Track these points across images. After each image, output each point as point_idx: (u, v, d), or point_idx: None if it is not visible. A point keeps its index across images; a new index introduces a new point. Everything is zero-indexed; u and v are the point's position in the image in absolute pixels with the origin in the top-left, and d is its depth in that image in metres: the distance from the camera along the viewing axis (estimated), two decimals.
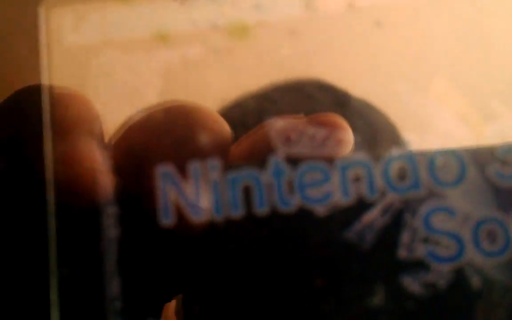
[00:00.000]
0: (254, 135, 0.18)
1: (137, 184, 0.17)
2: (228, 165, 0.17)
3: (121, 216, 0.16)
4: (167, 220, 0.17)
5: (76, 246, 0.16)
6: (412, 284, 0.17)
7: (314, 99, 0.19)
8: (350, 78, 0.21)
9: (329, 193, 0.17)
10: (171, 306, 0.18)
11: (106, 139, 0.17)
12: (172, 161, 0.17)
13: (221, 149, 0.17)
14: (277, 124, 0.18)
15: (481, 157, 0.17)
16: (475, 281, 0.17)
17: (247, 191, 0.17)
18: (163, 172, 0.17)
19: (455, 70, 0.20)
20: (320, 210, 0.17)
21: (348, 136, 0.17)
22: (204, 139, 0.17)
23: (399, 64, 0.21)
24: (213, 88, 0.20)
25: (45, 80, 0.18)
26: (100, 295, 0.16)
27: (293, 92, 0.19)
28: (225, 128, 0.17)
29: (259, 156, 0.17)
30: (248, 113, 0.18)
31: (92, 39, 0.19)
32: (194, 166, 0.17)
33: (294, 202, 0.17)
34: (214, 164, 0.17)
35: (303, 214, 0.17)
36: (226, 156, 0.17)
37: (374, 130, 0.18)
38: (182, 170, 0.17)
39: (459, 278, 0.17)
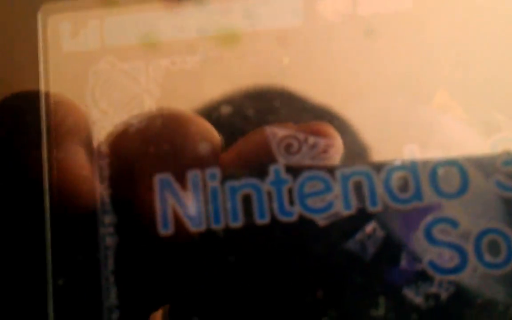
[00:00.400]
0: (246, 142, 0.17)
1: (127, 191, 0.16)
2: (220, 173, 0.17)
3: (114, 224, 0.16)
4: (165, 229, 0.16)
5: (70, 253, 0.16)
6: (414, 295, 0.16)
7: (278, 106, 0.19)
8: (345, 88, 0.20)
9: (330, 203, 0.17)
10: (157, 316, 0.17)
11: (95, 146, 0.17)
12: (162, 169, 0.16)
13: (212, 157, 0.17)
14: (278, 133, 0.17)
15: (484, 167, 0.17)
16: (478, 293, 0.17)
17: (247, 201, 0.17)
18: (161, 179, 0.17)
19: (457, 81, 0.20)
20: (321, 220, 0.17)
21: (339, 144, 0.17)
22: (194, 147, 0.17)
23: (400, 75, 0.21)
24: (206, 95, 0.20)
25: (42, 86, 0.18)
26: (92, 304, 0.16)
27: (257, 100, 0.19)
28: (216, 136, 0.17)
29: (250, 163, 0.17)
30: (227, 120, 0.18)
31: (90, 46, 0.19)
32: (193, 174, 0.17)
33: (294, 212, 0.17)
34: (213, 172, 0.17)
35: (304, 224, 0.17)
36: (217, 163, 0.17)
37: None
38: (178, 178, 0.16)
39: (462, 289, 0.16)
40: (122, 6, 0.18)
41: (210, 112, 0.18)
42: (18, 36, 0.18)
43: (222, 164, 0.17)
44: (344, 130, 0.18)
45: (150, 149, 0.17)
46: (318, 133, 0.17)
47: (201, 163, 0.17)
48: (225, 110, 0.18)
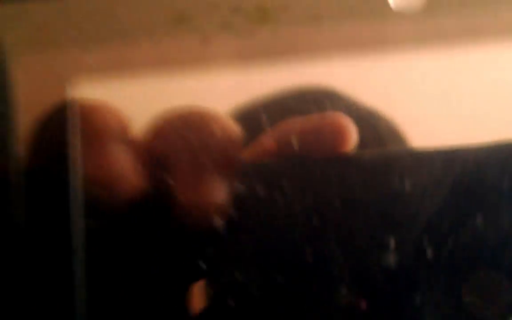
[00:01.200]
0: (270, 134, 0.19)
1: (161, 184, 0.18)
2: (243, 163, 0.18)
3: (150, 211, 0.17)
4: None
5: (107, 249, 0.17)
6: None
7: (322, 107, 0.19)
8: (366, 73, 0.21)
9: None
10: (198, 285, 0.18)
11: (135, 142, 0.18)
12: (192, 162, 0.18)
13: (233, 150, 0.18)
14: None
15: None
16: None
17: None
18: None
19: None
20: None
21: (352, 135, 0.18)
22: (218, 142, 0.18)
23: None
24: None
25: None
26: None
27: (302, 100, 0.20)
28: (236, 131, 0.18)
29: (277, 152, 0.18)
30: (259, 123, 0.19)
31: None
32: None
33: None
34: None
35: None
36: (238, 155, 0.18)
37: (379, 137, 0.19)
38: (199, 171, 0.18)
39: None
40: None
41: (254, 114, 0.19)
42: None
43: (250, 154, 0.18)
44: (387, 129, 0.18)
45: (177, 145, 0.18)
46: (330, 124, 0.17)
47: (221, 154, 0.18)
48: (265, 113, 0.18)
